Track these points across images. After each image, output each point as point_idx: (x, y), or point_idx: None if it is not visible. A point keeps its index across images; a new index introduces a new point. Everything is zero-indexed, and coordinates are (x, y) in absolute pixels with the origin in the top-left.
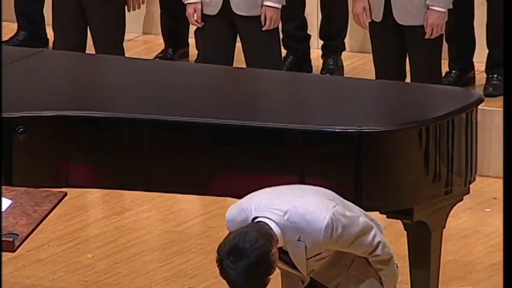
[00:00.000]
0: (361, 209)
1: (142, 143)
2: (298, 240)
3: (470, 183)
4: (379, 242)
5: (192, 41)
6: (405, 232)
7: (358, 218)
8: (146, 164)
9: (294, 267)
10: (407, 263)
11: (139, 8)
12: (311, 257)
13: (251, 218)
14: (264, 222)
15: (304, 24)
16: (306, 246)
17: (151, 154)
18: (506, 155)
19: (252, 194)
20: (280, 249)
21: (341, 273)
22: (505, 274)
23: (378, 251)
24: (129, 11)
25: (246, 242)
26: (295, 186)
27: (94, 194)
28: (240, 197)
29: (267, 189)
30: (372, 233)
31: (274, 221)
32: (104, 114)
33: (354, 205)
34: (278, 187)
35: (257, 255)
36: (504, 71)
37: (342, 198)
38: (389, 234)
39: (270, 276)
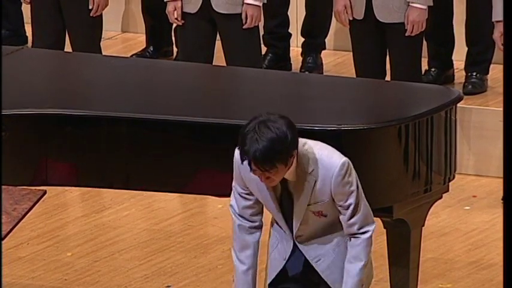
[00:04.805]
0: None
1: (122, 141)
2: (310, 173)
3: (449, 181)
4: (362, 213)
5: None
6: (385, 230)
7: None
8: (126, 162)
9: (288, 219)
10: (387, 260)
11: (102, 10)
12: (312, 204)
13: None
14: None
15: (286, 22)
16: (315, 182)
17: (131, 152)
18: (506, 155)
19: None
20: (285, 187)
21: (325, 249)
22: (505, 274)
23: (355, 219)
24: (92, 15)
25: (275, 123)
26: None
27: (73, 193)
28: (219, 195)
29: None
30: (363, 202)
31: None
32: (83, 113)
33: None
34: None
35: (280, 133)
36: (504, 71)
37: None
38: None
39: (282, 165)
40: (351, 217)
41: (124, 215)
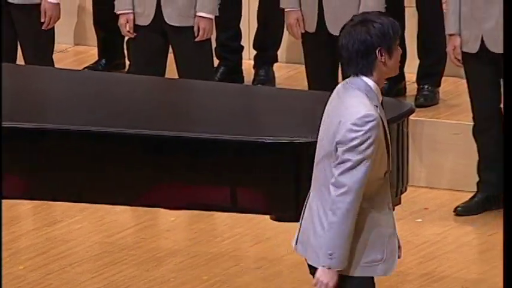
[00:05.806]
0: None
1: (74, 154)
2: None
3: (401, 193)
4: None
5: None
6: None
7: None
8: (78, 175)
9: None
10: None
11: (54, 23)
12: None
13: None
14: None
15: (238, 35)
16: None
17: (84, 165)
18: (506, 159)
19: None
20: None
21: None
22: (504, 275)
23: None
24: (44, 28)
25: None
26: None
27: (25, 205)
28: (173, 208)
29: None
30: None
31: None
32: (35, 126)
33: None
34: None
35: None
36: (504, 71)
37: None
38: None
39: None
40: None
41: (76, 228)
